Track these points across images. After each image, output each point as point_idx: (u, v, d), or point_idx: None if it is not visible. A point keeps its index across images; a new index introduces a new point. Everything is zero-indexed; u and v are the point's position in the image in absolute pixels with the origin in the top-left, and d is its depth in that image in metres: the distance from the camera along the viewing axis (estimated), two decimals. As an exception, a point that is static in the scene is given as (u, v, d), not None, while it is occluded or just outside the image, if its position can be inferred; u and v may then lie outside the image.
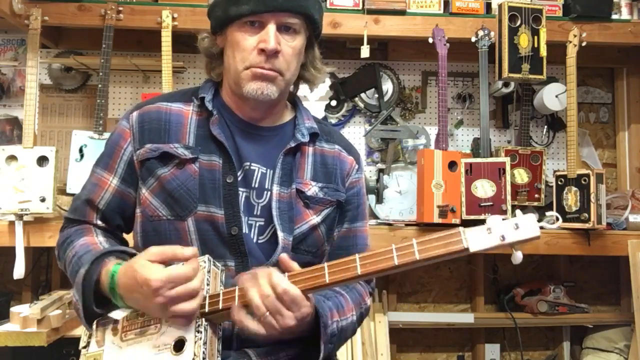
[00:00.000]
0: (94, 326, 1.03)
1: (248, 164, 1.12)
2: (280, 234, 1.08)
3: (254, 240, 1.10)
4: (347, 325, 1.10)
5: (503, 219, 0.85)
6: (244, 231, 1.08)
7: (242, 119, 1.15)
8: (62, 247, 1.14)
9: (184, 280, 0.91)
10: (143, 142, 1.12)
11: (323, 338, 1.01)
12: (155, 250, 0.95)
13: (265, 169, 1.13)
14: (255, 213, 1.11)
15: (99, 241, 1.10)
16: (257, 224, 1.11)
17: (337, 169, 1.20)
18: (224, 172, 1.09)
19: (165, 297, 0.89)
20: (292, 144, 1.14)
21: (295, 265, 0.95)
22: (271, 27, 1.06)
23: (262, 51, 1.06)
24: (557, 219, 0.88)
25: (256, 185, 1.11)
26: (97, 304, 0.99)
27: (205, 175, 1.09)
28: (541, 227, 0.85)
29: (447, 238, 0.85)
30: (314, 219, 1.14)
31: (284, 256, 0.96)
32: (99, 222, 1.15)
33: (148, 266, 0.92)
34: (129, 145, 1.13)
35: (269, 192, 1.11)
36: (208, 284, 0.96)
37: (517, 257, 0.86)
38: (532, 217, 0.84)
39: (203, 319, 0.93)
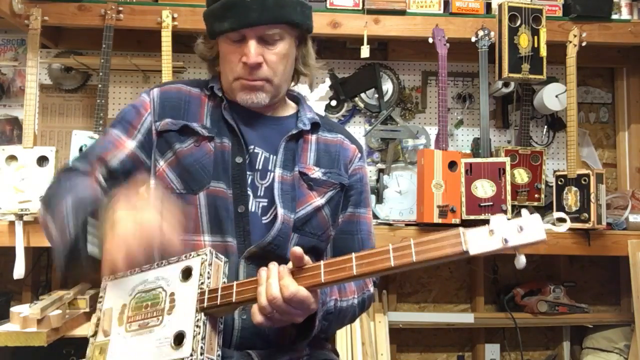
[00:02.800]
0: (102, 315, 1.04)
1: (252, 147, 1.16)
2: (280, 210, 1.10)
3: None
4: (347, 306, 1.12)
5: (508, 219, 0.80)
6: (250, 210, 1.11)
7: (246, 109, 1.19)
8: (54, 181, 1.13)
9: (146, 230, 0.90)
10: (163, 116, 1.16)
11: (318, 314, 1.02)
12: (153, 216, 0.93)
13: (268, 153, 1.16)
14: (259, 194, 1.14)
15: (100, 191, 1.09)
16: (261, 205, 1.13)
17: (340, 155, 1.23)
18: (233, 153, 1.14)
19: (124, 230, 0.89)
20: (294, 131, 1.18)
21: (307, 260, 0.92)
22: (251, 42, 1.10)
23: (245, 64, 1.11)
24: (565, 220, 0.82)
25: (260, 167, 1.15)
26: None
27: (218, 156, 1.13)
28: (547, 230, 0.78)
29: (446, 239, 0.81)
30: (318, 200, 1.16)
31: (297, 250, 0.91)
32: (102, 180, 1.13)
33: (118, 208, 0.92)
34: (149, 115, 1.17)
35: (272, 174, 1.15)
36: (209, 277, 0.97)
37: (521, 261, 0.80)
38: (538, 218, 0.78)
39: (202, 314, 0.94)
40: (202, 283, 0.96)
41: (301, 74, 1.24)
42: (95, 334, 1.05)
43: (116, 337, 1.00)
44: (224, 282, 0.98)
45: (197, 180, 1.11)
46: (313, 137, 1.22)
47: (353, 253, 0.88)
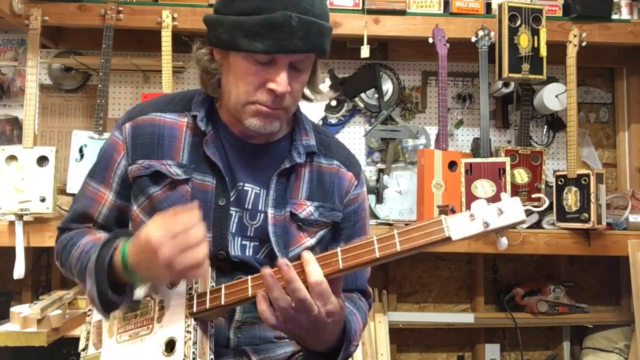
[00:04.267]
0: (91, 328, 1.04)
1: (241, 184, 1.08)
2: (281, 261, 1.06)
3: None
4: (356, 347, 1.09)
5: (488, 204, 0.81)
6: (232, 253, 1.05)
7: (237, 136, 1.11)
8: (63, 251, 1.10)
9: (183, 231, 0.86)
10: (135, 157, 1.08)
11: (340, 358, 1.00)
12: (157, 217, 0.90)
13: (258, 189, 1.09)
14: (248, 234, 1.08)
15: (101, 236, 1.08)
16: (252, 244, 1.08)
17: (335, 186, 1.15)
18: (217, 194, 1.06)
19: (169, 252, 0.85)
20: (287, 165, 1.10)
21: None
22: (284, 69, 0.98)
23: (270, 91, 0.99)
24: (545, 201, 0.85)
25: (249, 207, 1.08)
26: (113, 291, 0.96)
27: (197, 196, 1.05)
28: (528, 211, 0.80)
29: (429, 227, 0.82)
30: (308, 241, 1.11)
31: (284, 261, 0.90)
32: (96, 229, 1.14)
33: (147, 228, 0.88)
34: (122, 158, 1.10)
35: (262, 214, 1.08)
36: (197, 282, 0.96)
37: (502, 243, 0.82)
38: (517, 200, 0.80)
39: (192, 319, 0.93)
40: (190, 288, 0.95)
41: (306, 99, 1.14)
42: (85, 348, 1.04)
43: (107, 349, 0.99)
44: (212, 287, 0.97)
45: None
46: (307, 168, 1.13)
47: (338, 247, 0.87)
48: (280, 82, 0.98)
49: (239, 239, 1.07)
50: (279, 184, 1.09)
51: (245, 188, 1.08)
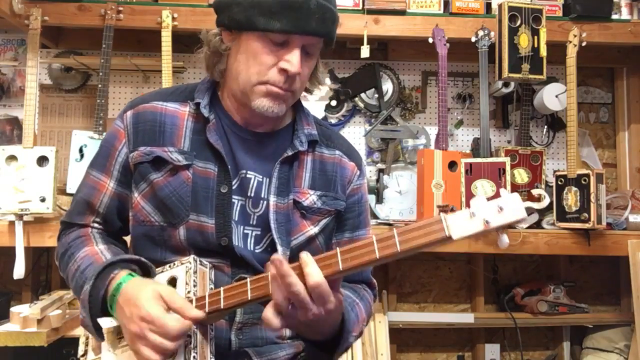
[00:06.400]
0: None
1: (244, 172, 1.08)
2: (280, 249, 1.05)
3: (250, 249, 1.08)
4: (357, 337, 1.10)
5: (487, 200, 0.80)
6: (234, 242, 1.05)
7: (240, 125, 1.12)
8: (62, 259, 1.11)
9: (164, 333, 0.87)
10: (137, 144, 1.09)
11: (339, 350, 1.01)
12: (170, 291, 0.92)
13: (261, 177, 1.09)
14: (251, 222, 1.08)
15: (99, 250, 1.07)
16: (254, 233, 1.08)
17: (337, 176, 1.16)
18: (219, 181, 1.06)
19: (140, 331, 0.87)
20: (290, 152, 1.11)
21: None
22: (297, 50, 1.01)
23: (283, 71, 1.01)
24: (545, 197, 0.85)
25: (252, 194, 1.08)
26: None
27: (199, 183, 1.06)
28: (529, 209, 0.80)
29: (429, 226, 0.81)
30: (312, 229, 1.11)
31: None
32: (97, 225, 1.14)
33: (153, 296, 0.89)
34: (123, 146, 1.10)
35: (265, 202, 1.08)
36: (195, 285, 0.95)
37: (503, 241, 0.81)
38: (517, 197, 0.79)
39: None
40: (188, 292, 0.94)
41: (307, 91, 1.16)
42: (85, 353, 1.03)
43: (107, 354, 0.98)
44: (211, 289, 0.96)
45: (174, 213, 1.05)
46: (309, 156, 1.14)
47: (338, 248, 0.86)
48: (293, 62, 1.00)
49: (241, 227, 1.07)
50: (281, 172, 1.10)
51: (248, 176, 1.09)
